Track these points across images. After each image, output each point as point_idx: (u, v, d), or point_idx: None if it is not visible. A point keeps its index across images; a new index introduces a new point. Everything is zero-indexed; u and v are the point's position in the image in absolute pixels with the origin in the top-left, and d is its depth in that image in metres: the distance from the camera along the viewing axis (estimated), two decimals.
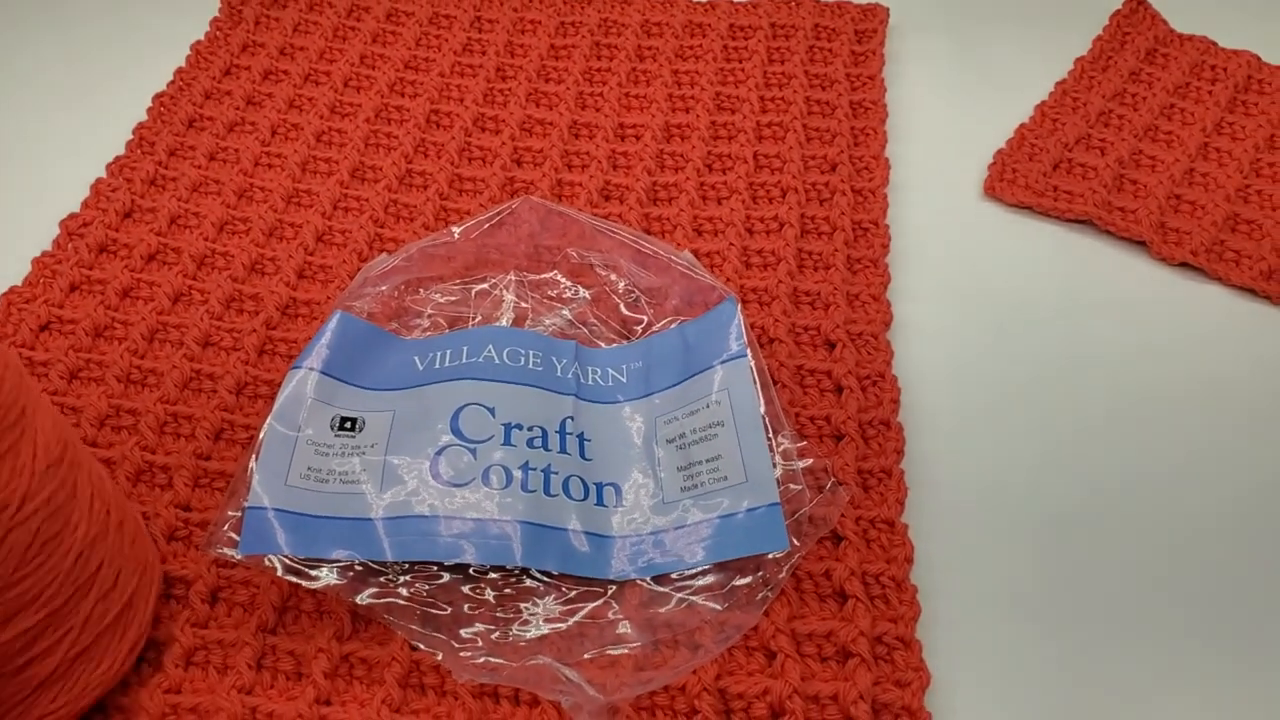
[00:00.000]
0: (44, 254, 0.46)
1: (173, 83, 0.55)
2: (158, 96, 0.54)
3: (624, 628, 0.33)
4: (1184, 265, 0.47)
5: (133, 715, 0.31)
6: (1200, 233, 0.47)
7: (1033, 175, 0.51)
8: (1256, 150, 0.52)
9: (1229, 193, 0.49)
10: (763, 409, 0.36)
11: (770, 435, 0.36)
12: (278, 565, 0.32)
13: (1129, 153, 0.52)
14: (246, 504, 0.33)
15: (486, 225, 0.42)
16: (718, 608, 0.33)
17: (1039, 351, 0.44)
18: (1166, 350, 0.44)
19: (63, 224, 0.47)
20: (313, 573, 0.32)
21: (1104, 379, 0.43)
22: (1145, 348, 0.44)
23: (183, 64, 0.56)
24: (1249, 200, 0.50)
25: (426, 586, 0.33)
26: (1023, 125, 0.54)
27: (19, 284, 0.44)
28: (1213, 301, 0.46)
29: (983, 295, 0.47)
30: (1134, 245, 0.48)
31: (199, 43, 0.57)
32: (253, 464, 0.34)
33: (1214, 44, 0.58)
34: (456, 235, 0.42)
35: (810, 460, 0.37)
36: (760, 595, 0.33)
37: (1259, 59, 0.56)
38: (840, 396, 0.40)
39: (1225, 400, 0.42)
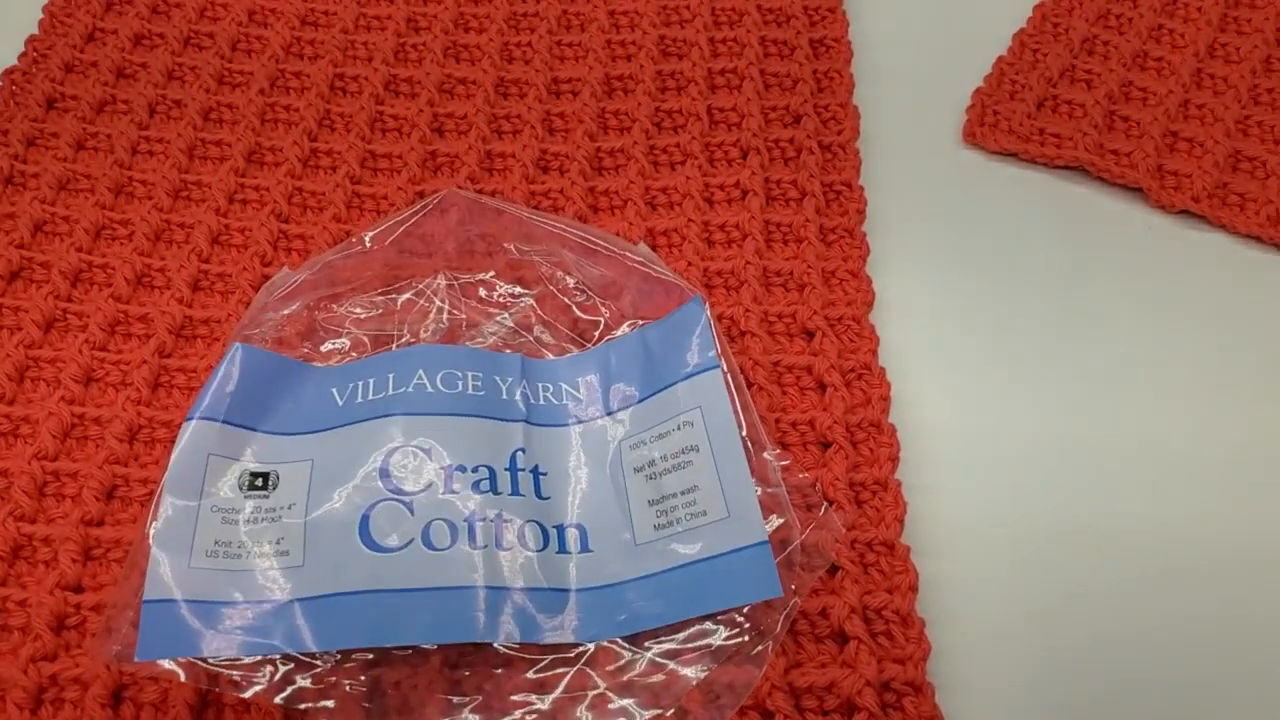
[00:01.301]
0: None
1: (24, 55, 0.47)
2: (8, 73, 0.46)
3: (603, 700, 0.28)
4: (1185, 212, 0.43)
5: None
6: (1201, 175, 0.43)
7: (1016, 117, 0.46)
8: (1254, 75, 0.47)
9: (1228, 126, 0.45)
10: (743, 430, 0.32)
11: (752, 457, 0.32)
12: (181, 673, 0.27)
13: (1118, 85, 0.47)
14: (145, 596, 0.28)
15: (401, 228, 0.36)
16: (704, 670, 0.29)
17: (1035, 318, 0.40)
18: (1173, 305, 0.40)
19: None
20: (232, 674, 0.27)
21: (1107, 343, 0.39)
22: (1150, 304, 0.40)
23: (35, 30, 0.48)
24: (1249, 134, 0.45)
25: (364, 675, 0.28)
26: (1001, 58, 0.49)
27: None
28: (1218, 249, 0.42)
29: (968, 258, 0.42)
30: (1131, 191, 0.44)
31: (52, 2, 0.49)
32: (150, 540, 0.29)
33: None
34: (369, 242, 0.36)
35: (796, 479, 0.32)
36: (755, 650, 0.29)
37: None
38: (824, 395, 0.36)
39: (1235, 359, 0.39)
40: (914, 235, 0.43)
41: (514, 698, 0.29)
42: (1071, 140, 0.45)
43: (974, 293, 0.41)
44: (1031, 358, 0.39)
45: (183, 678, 0.27)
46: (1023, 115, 0.46)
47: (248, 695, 0.27)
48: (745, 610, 0.30)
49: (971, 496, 0.35)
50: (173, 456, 0.30)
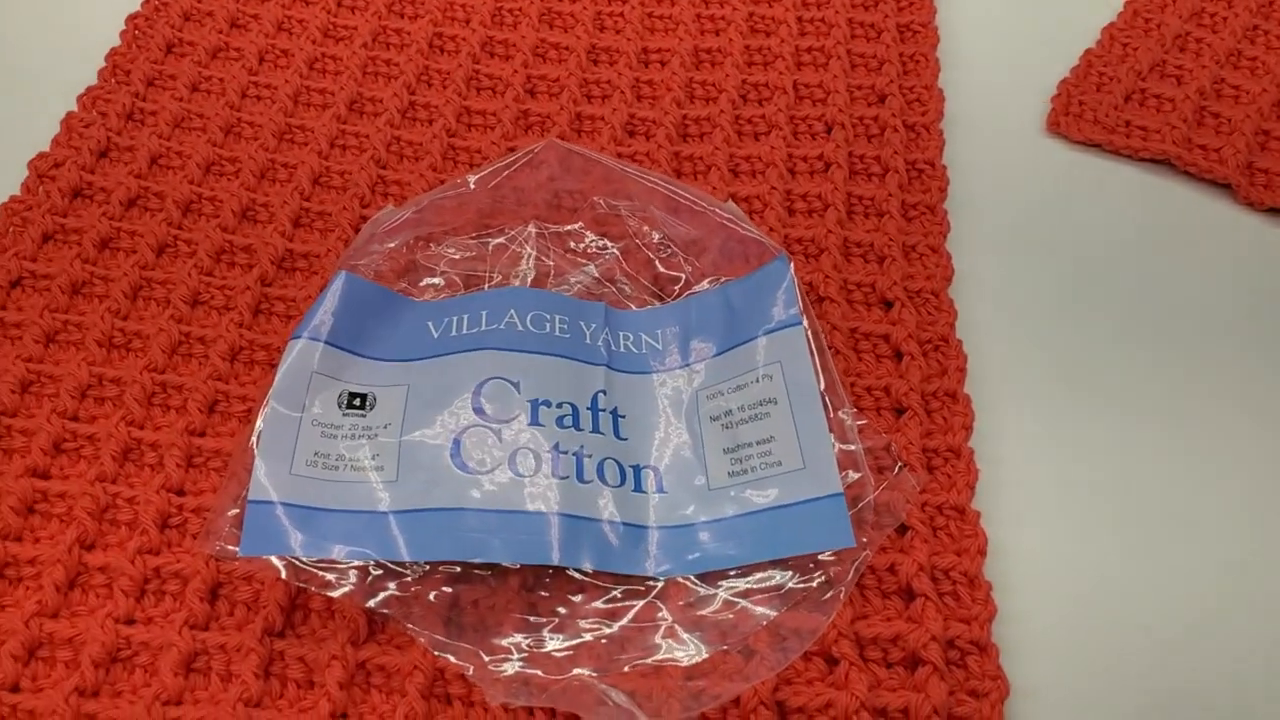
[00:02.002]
0: (12, 199, 0.41)
1: (147, 2, 0.49)
2: (131, 18, 0.48)
3: (672, 633, 0.29)
4: (1274, 210, 0.43)
5: None
6: None
7: (1102, 108, 0.46)
8: None
9: None
10: (821, 385, 0.33)
11: (829, 413, 0.32)
12: (282, 569, 0.29)
13: (1210, 82, 0.47)
14: (249, 497, 0.29)
15: (506, 171, 0.37)
16: (773, 612, 0.30)
17: (1114, 309, 0.40)
18: (1257, 305, 0.40)
19: (31, 164, 0.42)
20: (325, 575, 0.29)
21: (1188, 339, 0.39)
22: (1233, 302, 0.40)
23: None
24: None
25: (450, 589, 0.30)
26: (1089, 51, 0.49)
27: None
28: None
29: (1047, 244, 0.42)
30: (1218, 188, 0.44)
31: None
32: (254, 447, 0.31)
33: None
34: (473, 184, 0.37)
35: (871, 440, 0.33)
36: (825, 596, 0.30)
37: None
38: (900, 364, 0.36)
39: None
40: (995, 217, 0.43)
41: (585, 623, 0.30)
42: (1159, 133, 0.45)
43: (1051, 277, 0.41)
44: (1106, 345, 0.39)
45: (282, 573, 0.28)
46: (1109, 107, 0.46)
47: (338, 595, 0.29)
48: (817, 558, 0.30)
49: (1040, 471, 0.35)
50: (278, 371, 0.32)
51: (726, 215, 0.37)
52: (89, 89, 0.45)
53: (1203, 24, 0.50)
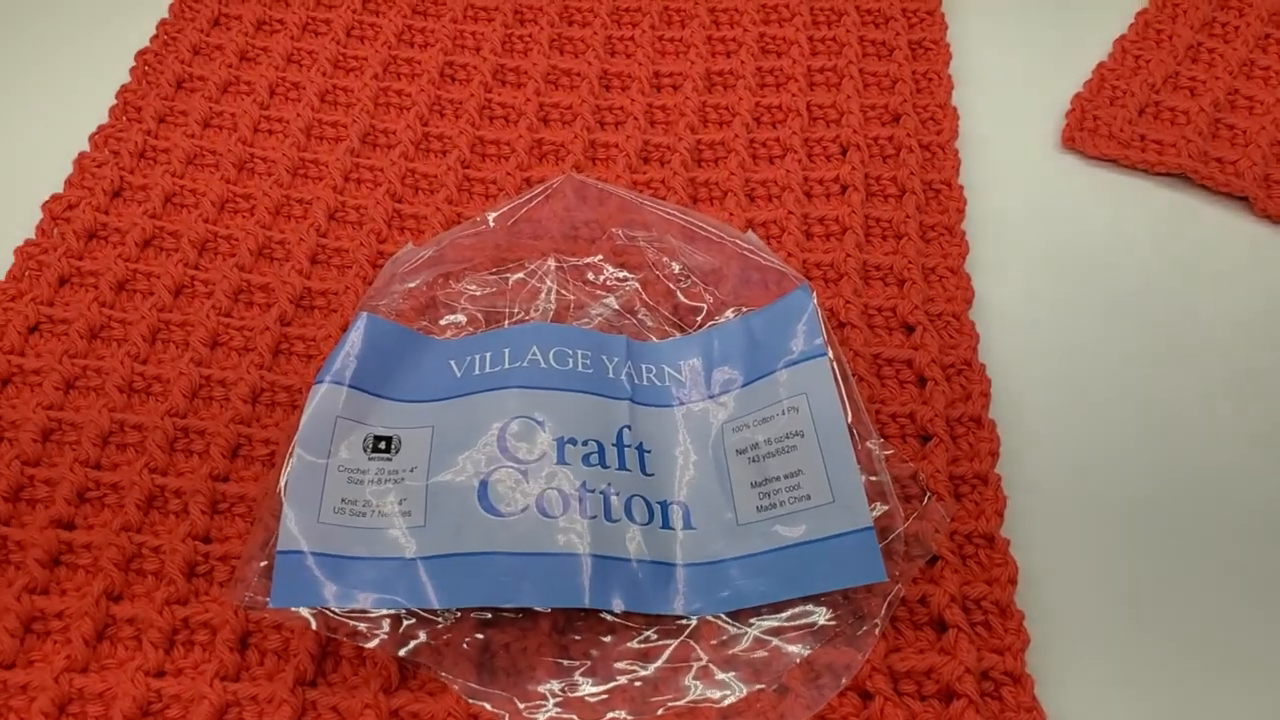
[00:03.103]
0: (28, 242, 0.41)
1: (156, 37, 0.49)
2: (141, 54, 0.48)
3: (705, 674, 0.29)
4: None
5: None
6: None
7: (1117, 123, 0.46)
8: None
9: None
10: (848, 417, 0.32)
11: (857, 445, 0.32)
12: (312, 620, 0.28)
13: (1224, 93, 0.47)
14: (278, 547, 0.29)
15: (525, 208, 0.37)
16: (806, 649, 0.29)
17: (1134, 326, 0.40)
18: (1275, 316, 0.40)
19: (45, 206, 0.42)
20: (356, 625, 0.29)
21: (1211, 354, 0.39)
22: (1253, 315, 0.40)
23: (165, 14, 0.50)
24: None
25: (481, 635, 0.29)
26: (1102, 64, 0.49)
27: (1, 278, 0.40)
28: None
29: (1066, 262, 0.42)
30: (1235, 200, 0.44)
31: None
32: (281, 493, 0.31)
33: None
34: (492, 222, 0.37)
35: (897, 469, 0.33)
36: (860, 632, 0.30)
37: None
38: (924, 389, 0.36)
39: None
40: (1013, 236, 0.43)
41: (619, 665, 0.30)
42: (1175, 147, 0.45)
43: (1071, 294, 0.41)
44: (1129, 363, 0.39)
45: (313, 625, 0.28)
46: (1124, 121, 0.46)
47: (371, 645, 0.29)
48: (848, 593, 0.30)
49: (1067, 494, 0.35)
50: (303, 417, 0.32)
51: (747, 246, 0.37)
52: (101, 127, 0.45)
53: (1214, 34, 0.50)
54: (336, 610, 0.29)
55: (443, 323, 0.36)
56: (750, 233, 0.39)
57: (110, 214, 0.42)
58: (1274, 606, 0.33)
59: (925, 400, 0.36)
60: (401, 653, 0.29)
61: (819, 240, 0.41)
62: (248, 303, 0.39)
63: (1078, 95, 0.47)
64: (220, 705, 0.29)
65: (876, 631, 0.30)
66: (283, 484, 0.31)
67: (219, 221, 0.42)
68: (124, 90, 0.47)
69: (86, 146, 0.45)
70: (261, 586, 0.29)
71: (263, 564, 0.29)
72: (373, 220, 0.42)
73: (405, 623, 0.29)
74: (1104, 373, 0.39)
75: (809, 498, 0.32)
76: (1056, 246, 0.43)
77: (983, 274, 0.41)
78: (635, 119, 0.46)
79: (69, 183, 0.43)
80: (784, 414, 0.33)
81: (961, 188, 0.43)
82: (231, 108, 0.46)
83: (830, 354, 0.34)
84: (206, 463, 0.34)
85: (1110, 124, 0.46)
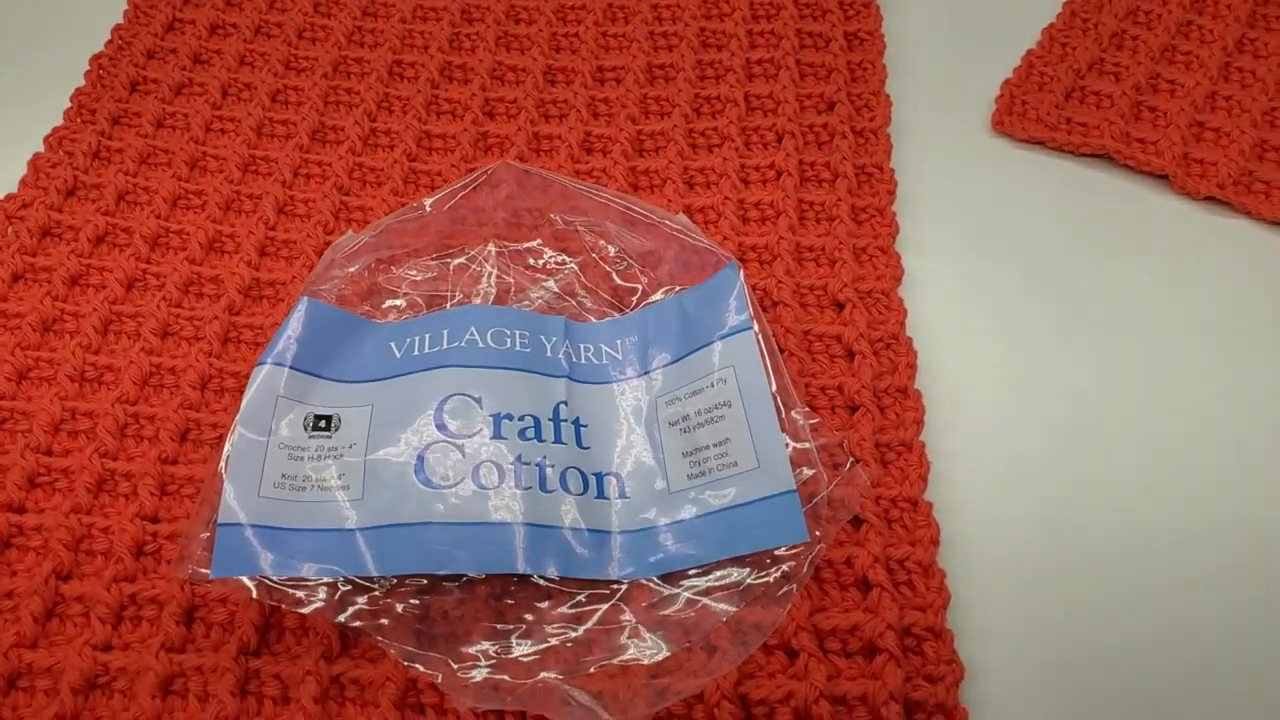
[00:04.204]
0: None
1: (111, 42, 0.50)
2: (95, 58, 0.49)
3: (635, 633, 0.30)
4: (1210, 199, 0.44)
5: None
6: (1227, 163, 0.44)
7: (1044, 107, 0.48)
8: None
9: (1255, 117, 0.46)
10: (772, 386, 0.34)
11: (781, 414, 0.33)
12: (253, 588, 0.29)
13: (1146, 77, 0.48)
14: (218, 520, 0.30)
15: (461, 193, 0.38)
16: (732, 608, 0.31)
17: (1058, 299, 0.41)
18: (1195, 291, 0.41)
19: None
20: (296, 593, 0.30)
21: (1130, 324, 0.40)
22: (1172, 289, 0.41)
23: (120, 19, 0.51)
24: (1276, 124, 0.46)
25: (418, 600, 0.30)
26: (1030, 52, 0.50)
27: None
28: (1242, 237, 0.43)
29: (995, 241, 0.44)
30: (1156, 179, 0.45)
31: None
32: (222, 471, 0.32)
33: None
34: (429, 207, 0.38)
35: (824, 438, 0.34)
36: (781, 591, 0.31)
37: None
38: (852, 363, 0.38)
39: (1259, 343, 0.40)
40: (944, 217, 0.44)
41: (551, 628, 0.31)
42: (1098, 129, 0.46)
43: (999, 271, 0.42)
44: (1052, 336, 0.40)
45: (254, 593, 0.29)
46: (1050, 105, 0.48)
47: (308, 611, 0.30)
48: (774, 554, 0.31)
49: (990, 462, 0.36)
50: (245, 397, 0.33)
51: (677, 227, 0.38)
52: (55, 129, 0.46)
53: (1138, 22, 0.51)
54: (275, 579, 0.30)
55: (384, 306, 0.37)
56: (681, 214, 0.40)
57: (64, 212, 0.43)
58: (1183, 566, 0.34)
59: (853, 373, 0.37)
60: (340, 619, 0.30)
61: (754, 224, 0.43)
62: (198, 294, 0.40)
63: (1007, 81, 0.49)
64: (165, 675, 0.30)
65: (797, 589, 0.31)
66: (224, 461, 0.31)
67: (170, 217, 0.43)
68: (78, 93, 0.48)
69: (41, 148, 0.46)
70: (204, 560, 0.30)
71: (205, 536, 0.30)
72: (320, 213, 0.43)
73: (343, 590, 0.30)
74: (1026, 347, 0.40)
75: (736, 464, 0.33)
76: (985, 226, 0.44)
77: (913, 253, 0.42)
78: (578, 111, 0.47)
79: (23, 183, 0.44)
80: (713, 386, 0.34)
81: (893, 171, 0.44)
82: (184, 108, 0.47)
83: (756, 328, 0.35)
84: (156, 447, 0.35)
85: (1037, 108, 0.48)
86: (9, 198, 0.43)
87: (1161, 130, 0.46)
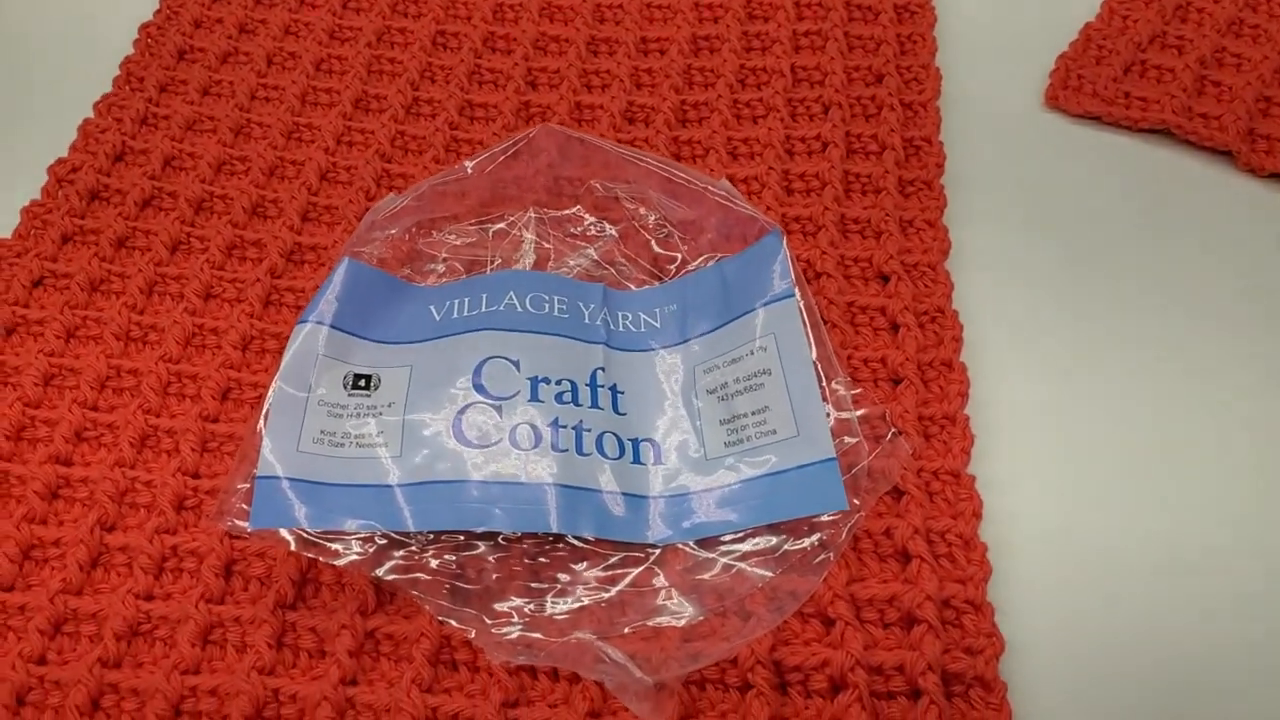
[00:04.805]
0: (33, 203, 0.43)
1: (159, 11, 0.51)
2: (144, 27, 0.50)
3: (669, 596, 0.30)
4: (1275, 177, 0.43)
5: (148, 698, 0.29)
6: None
7: (1101, 81, 0.46)
8: None
9: None
10: (814, 354, 0.33)
11: (823, 382, 0.33)
12: (291, 540, 0.30)
13: (1211, 51, 0.47)
14: (257, 473, 0.30)
15: (501, 157, 0.38)
16: (769, 574, 0.30)
17: (1114, 279, 0.40)
18: (1260, 274, 0.40)
19: (51, 169, 0.44)
20: (333, 546, 0.30)
21: (1189, 307, 0.39)
22: (1235, 270, 0.40)
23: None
24: None
25: (454, 557, 0.30)
26: (1089, 24, 0.49)
27: (7, 236, 0.42)
28: None
29: (1049, 218, 0.42)
30: (1218, 156, 0.44)
31: None
32: (261, 428, 0.32)
33: None
34: (470, 169, 0.38)
35: (866, 408, 0.33)
36: (818, 559, 0.30)
37: None
38: (896, 335, 0.37)
39: None
40: (994, 191, 0.43)
41: (584, 588, 0.30)
42: (1159, 103, 0.45)
43: (1052, 249, 0.41)
44: (1105, 316, 0.39)
45: (292, 545, 0.29)
46: (1108, 79, 0.46)
47: (344, 564, 0.30)
48: (811, 521, 0.31)
49: (1037, 439, 0.36)
50: (286, 354, 0.33)
51: (720, 192, 0.37)
52: (105, 96, 0.47)
53: None
54: (312, 532, 0.30)
55: (425, 270, 0.37)
56: (723, 179, 0.39)
57: (112, 176, 0.44)
58: (1234, 512, 0.33)
59: (898, 345, 0.36)
60: (376, 573, 0.30)
61: (799, 195, 0.42)
62: (241, 257, 0.41)
63: (1063, 54, 0.48)
64: (205, 625, 0.30)
65: (834, 558, 0.30)
66: (264, 416, 0.32)
67: (215, 182, 0.43)
68: (127, 61, 0.48)
69: (91, 115, 0.46)
70: (243, 513, 0.30)
71: (244, 488, 0.31)
72: (362, 179, 0.43)
73: (380, 544, 0.30)
74: (1079, 323, 0.39)
75: (775, 432, 0.32)
76: (1037, 201, 0.43)
77: (962, 227, 0.41)
78: (621, 81, 0.47)
79: (73, 148, 0.45)
80: (753, 354, 0.34)
81: (941, 144, 0.43)
82: (230, 76, 0.48)
83: (798, 295, 0.34)
84: (198, 405, 0.36)
85: (1094, 82, 0.46)
86: (60, 161, 0.44)
87: (1226, 105, 0.44)
